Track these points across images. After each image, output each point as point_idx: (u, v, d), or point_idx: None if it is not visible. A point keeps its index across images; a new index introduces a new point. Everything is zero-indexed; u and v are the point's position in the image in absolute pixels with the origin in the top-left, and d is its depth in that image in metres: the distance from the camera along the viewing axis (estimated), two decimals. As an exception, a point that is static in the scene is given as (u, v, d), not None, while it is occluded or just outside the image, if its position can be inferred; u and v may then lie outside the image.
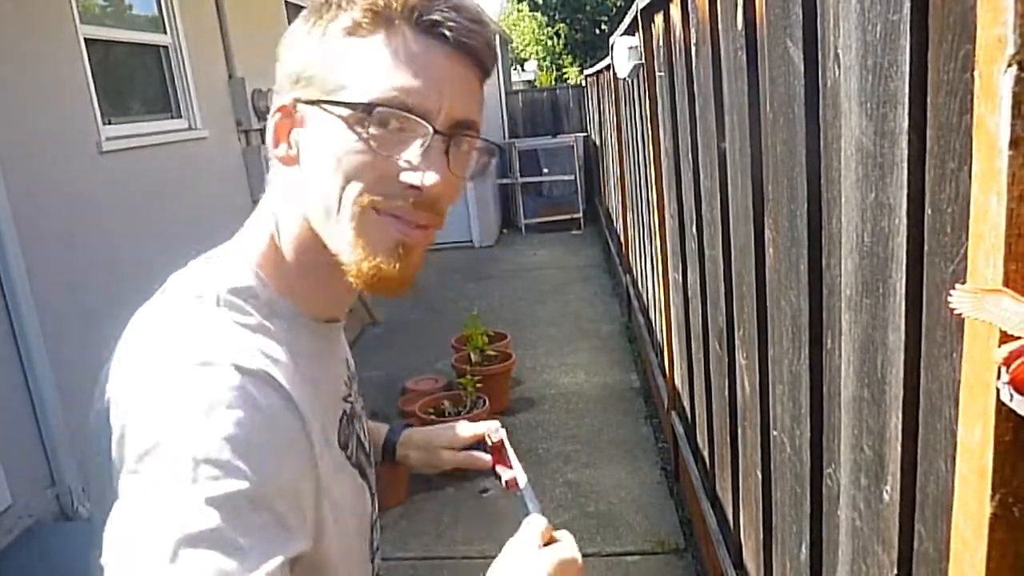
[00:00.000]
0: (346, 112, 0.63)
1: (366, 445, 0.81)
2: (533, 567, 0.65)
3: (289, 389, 0.61)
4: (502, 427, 0.97)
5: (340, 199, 0.64)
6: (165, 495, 0.52)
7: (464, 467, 0.96)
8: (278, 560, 0.53)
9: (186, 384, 0.57)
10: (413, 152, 0.64)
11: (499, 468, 0.90)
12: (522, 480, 0.86)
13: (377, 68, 0.63)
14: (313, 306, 0.71)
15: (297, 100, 0.66)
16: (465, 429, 0.97)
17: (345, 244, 0.66)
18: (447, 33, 0.64)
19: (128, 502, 0.54)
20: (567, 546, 0.68)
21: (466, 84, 0.67)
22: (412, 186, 0.64)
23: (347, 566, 0.70)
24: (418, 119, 0.63)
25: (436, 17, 0.64)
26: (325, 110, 0.64)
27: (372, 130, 0.63)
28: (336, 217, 0.65)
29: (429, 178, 0.64)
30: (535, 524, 0.69)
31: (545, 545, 0.67)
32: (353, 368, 0.84)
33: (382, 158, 0.64)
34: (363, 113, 0.63)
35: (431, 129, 0.64)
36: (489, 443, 0.95)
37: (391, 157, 0.64)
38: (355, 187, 0.64)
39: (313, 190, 0.66)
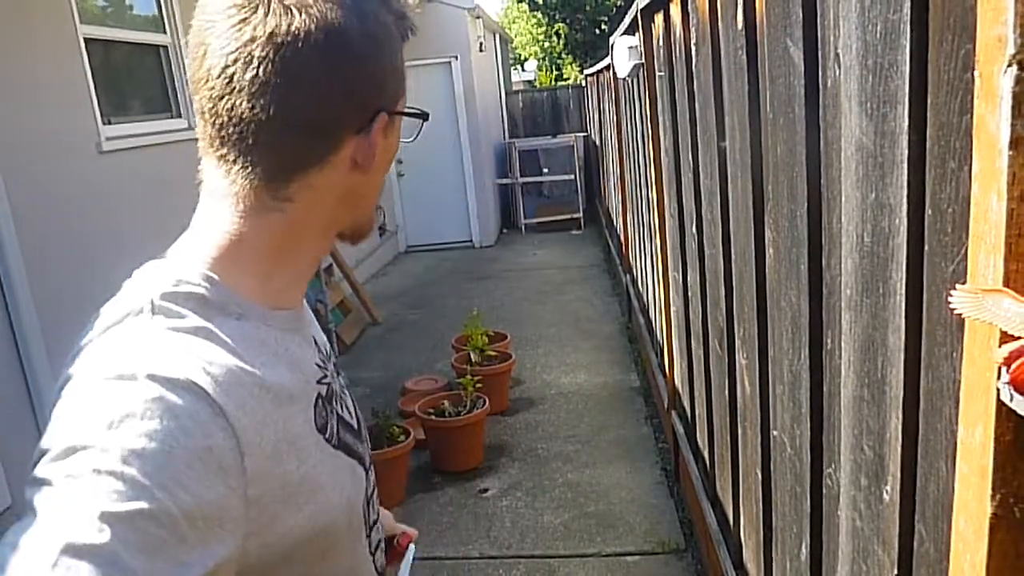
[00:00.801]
0: (407, 120, 0.74)
1: (353, 422, 0.80)
2: None
3: (216, 396, 0.59)
4: (414, 544, 0.99)
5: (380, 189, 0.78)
6: (62, 505, 0.51)
7: None
8: None
9: (99, 397, 0.57)
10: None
11: (389, 568, 0.93)
12: None
13: (404, 76, 0.74)
14: (271, 297, 0.71)
15: (390, 111, 0.71)
16: (388, 520, 0.98)
17: (367, 219, 0.78)
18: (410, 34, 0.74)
19: (28, 510, 0.53)
20: None
21: None
22: None
23: (329, 539, 0.71)
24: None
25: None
26: (403, 116, 0.73)
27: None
28: (372, 206, 0.78)
29: None
30: None
31: None
32: (328, 348, 0.83)
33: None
34: (421, 120, 0.75)
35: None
36: (394, 544, 0.97)
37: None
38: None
39: (374, 190, 0.76)
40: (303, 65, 0.63)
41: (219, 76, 0.64)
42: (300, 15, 0.63)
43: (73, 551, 0.49)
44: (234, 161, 0.66)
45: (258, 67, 0.63)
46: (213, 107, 0.65)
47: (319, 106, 0.66)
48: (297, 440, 0.67)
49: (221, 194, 0.68)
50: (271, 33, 0.62)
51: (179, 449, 0.55)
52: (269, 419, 0.64)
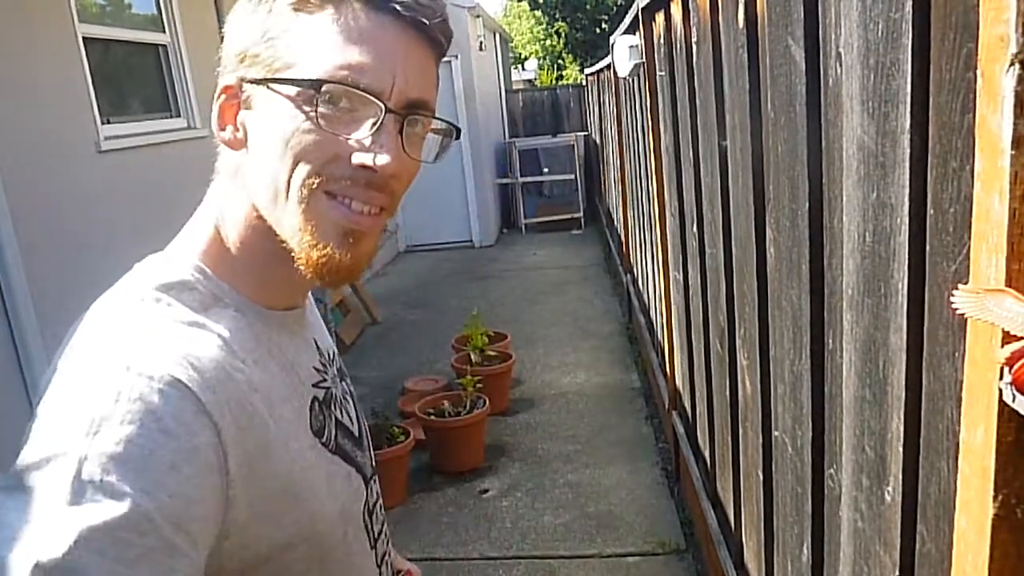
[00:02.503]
0: (294, 91, 0.61)
1: (354, 429, 0.78)
2: None
3: (200, 392, 0.57)
4: None
5: (288, 182, 0.62)
6: (39, 519, 0.50)
7: None
8: None
9: (80, 396, 0.55)
10: (364, 131, 0.62)
11: None
12: None
13: (326, 45, 0.61)
14: (265, 295, 0.69)
15: (243, 79, 0.64)
16: (394, 556, 0.93)
17: (293, 230, 0.64)
18: (399, 8, 0.62)
19: (5, 509, 0.52)
20: None
21: (420, 62, 0.65)
22: (364, 166, 0.62)
23: (323, 550, 0.69)
24: (370, 97, 0.61)
25: None
26: (272, 89, 0.62)
27: (321, 109, 0.61)
28: (284, 202, 0.63)
29: (381, 158, 0.62)
30: None
31: None
32: (332, 353, 0.82)
33: (332, 138, 0.62)
34: (312, 91, 0.61)
35: (383, 107, 0.62)
36: None
37: (340, 137, 0.62)
38: (304, 169, 0.62)
39: (260, 174, 0.64)
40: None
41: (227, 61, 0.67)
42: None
43: (45, 571, 0.48)
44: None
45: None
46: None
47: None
48: (288, 441, 0.65)
49: (218, 174, 0.71)
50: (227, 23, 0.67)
51: (161, 451, 0.54)
52: (256, 417, 0.62)
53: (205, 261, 0.67)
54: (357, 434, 0.80)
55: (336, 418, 0.75)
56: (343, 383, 0.82)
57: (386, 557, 0.83)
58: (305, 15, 0.62)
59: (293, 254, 0.64)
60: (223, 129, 0.66)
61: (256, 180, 0.65)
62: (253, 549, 0.62)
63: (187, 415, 0.56)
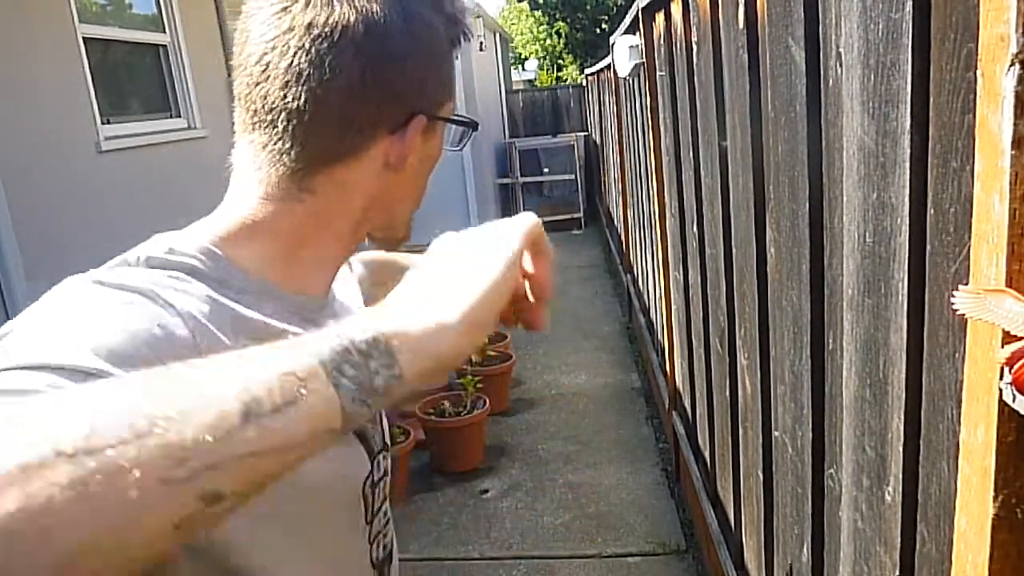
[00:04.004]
0: (453, 126, 0.73)
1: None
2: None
3: (178, 307, 0.58)
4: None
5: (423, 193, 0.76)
6: None
7: None
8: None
9: (72, 298, 0.57)
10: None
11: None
12: None
13: (450, 81, 0.72)
14: (291, 279, 0.70)
15: (430, 115, 0.70)
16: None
17: (400, 224, 0.75)
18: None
19: None
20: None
21: None
22: None
23: (313, 507, 0.68)
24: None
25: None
26: (445, 122, 0.72)
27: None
28: (413, 207, 0.76)
29: None
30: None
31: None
32: None
33: None
34: (467, 128, 0.74)
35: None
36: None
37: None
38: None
39: (409, 195, 0.74)
40: (338, 58, 0.63)
41: (256, 63, 0.65)
42: (341, 8, 0.63)
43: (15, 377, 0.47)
44: (263, 147, 0.67)
45: (293, 56, 0.63)
46: (248, 93, 0.66)
47: (351, 101, 0.65)
48: None
49: (247, 179, 0.69)
50: (309, 24, 0.62)
51: (143, 333, 0.54)
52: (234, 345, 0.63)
53: (219, 244, 0.66)
54: (374, 417, 0.79)
55: None
56: None
57: (380, 538, 0.82)
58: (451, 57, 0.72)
59: (372, 233, 0.74)
60: (407, 157, 0.70)
61: (407, 196, 0.74)
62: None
63: (167, 321, 0.57)
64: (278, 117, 0.65)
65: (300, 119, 0.64)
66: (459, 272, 0.54)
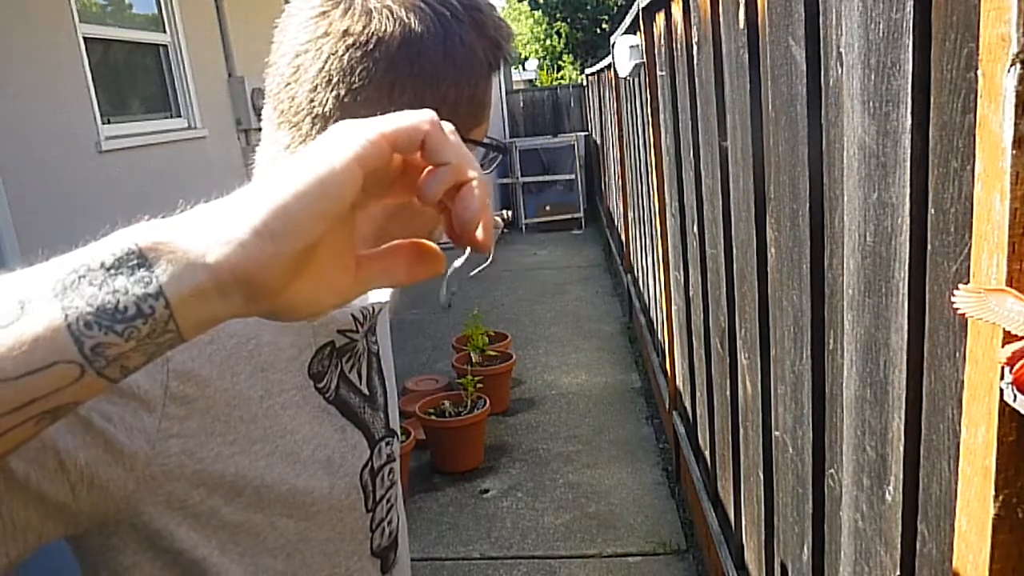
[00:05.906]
0: (483, 150, 0.70)
1: (364, 389, 0.78)
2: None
3: None
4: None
5: None
6: None
7: None
8: None
9: None
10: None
11: None
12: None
13: (485, 105, 0.70)
14: None
15: (460, 137, 0.69)
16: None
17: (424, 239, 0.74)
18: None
19: None
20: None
21: None
22: None
23: (306, 497, 0.69)
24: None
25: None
26: (474, 144, 0.69)
27: None
28: (428, 228, 0.74)
29: None
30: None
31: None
32: (372, 316, 0.79)
33: None
34: (495, 153, 0.72)
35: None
36: None
37: None
38: None
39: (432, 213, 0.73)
40: (369, 68, 0.62)
41: (288, 63, 0.65)
42: (379, 19, 0.62)
43: None
44: (285, 147, 0.67)
45: (325, 61, 0.63)
46: (278, 92, 0.66)
47: (377, 113, 0.64)
48: (267, 369, 0.66)
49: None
50: (345, 30, 0.62)
51: None
52: (235, 331, 0.63)
53: None
54: (368, 392, 0.79)
55: (342, 370, 0.75)
56: (373, 343, 0.81)
57: (385, 525, 0.81)
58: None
59: None
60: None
61: (424, 209, 0.74)
62: (209, 471, 0.61)
63: None
64: (303, 120, 0.65)
65: (324, 124, 0.64)
66: (266, 184, 0.43)
